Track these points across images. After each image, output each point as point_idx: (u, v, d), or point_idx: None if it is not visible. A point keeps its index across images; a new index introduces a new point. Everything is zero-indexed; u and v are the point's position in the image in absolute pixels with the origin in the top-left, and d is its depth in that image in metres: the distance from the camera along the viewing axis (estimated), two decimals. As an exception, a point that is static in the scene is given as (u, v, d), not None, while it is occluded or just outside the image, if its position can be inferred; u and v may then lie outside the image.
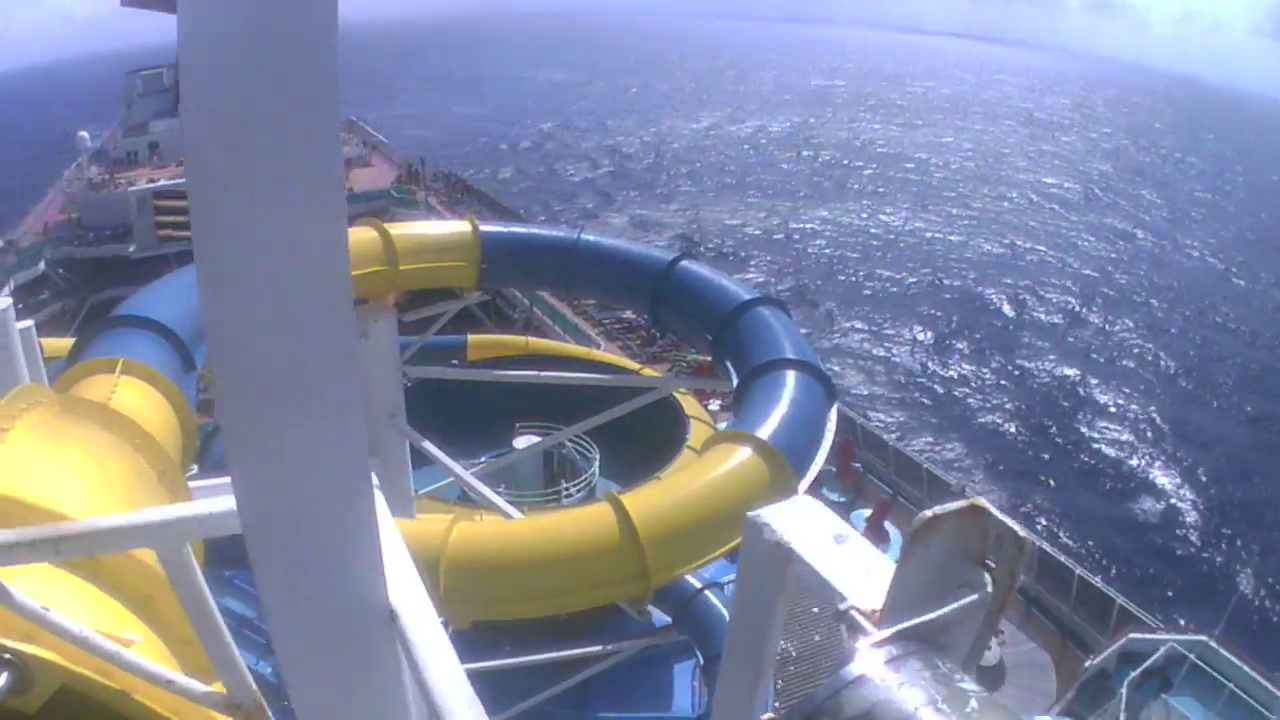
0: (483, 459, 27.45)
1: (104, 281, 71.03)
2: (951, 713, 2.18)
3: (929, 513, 2.65)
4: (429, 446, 15.80)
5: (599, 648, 19.98)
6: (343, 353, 2.11)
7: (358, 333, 9.08)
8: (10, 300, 9.63)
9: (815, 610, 31.66)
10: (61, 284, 73.69)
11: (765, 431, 12.47)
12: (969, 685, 2.30)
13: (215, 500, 2.90)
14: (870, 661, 2.38)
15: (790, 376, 13.64)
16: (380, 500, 2.75)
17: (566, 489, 29.84)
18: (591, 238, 17.74)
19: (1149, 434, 67.95)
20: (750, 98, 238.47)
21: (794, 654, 30.25)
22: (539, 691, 18.59)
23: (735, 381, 14.47)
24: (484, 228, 17.51)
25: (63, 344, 14.48)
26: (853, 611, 2.81)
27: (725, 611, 20.99)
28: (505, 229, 18.78)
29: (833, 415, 13.79)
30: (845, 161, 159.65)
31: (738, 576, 3.59)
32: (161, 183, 76.40)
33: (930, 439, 65.15)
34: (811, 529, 3.21)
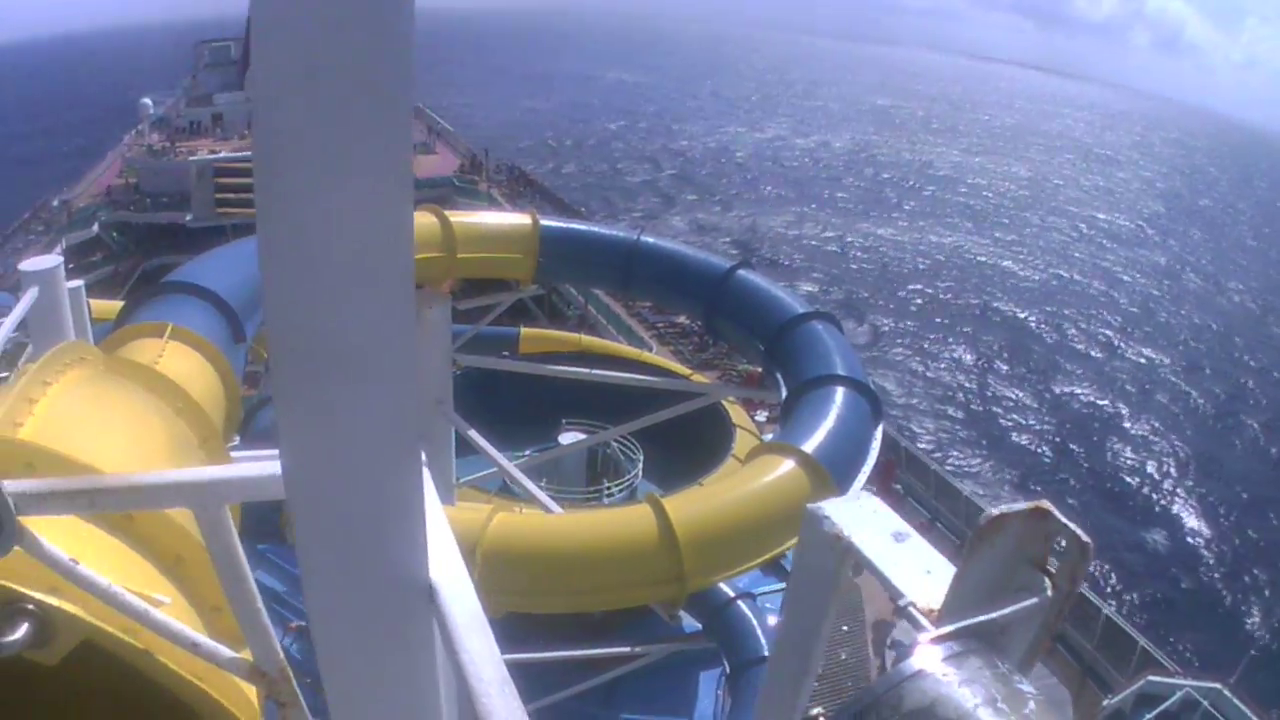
0: (527, 452, 27.50)
1: (158, 248, 71.35)
2: (1011, 712, 2.15)
3: (995, 511, 2.61)
4: (474, 435, 15.80)
5: (628, 649, 19.99)
6: (400, 327, 2.08)
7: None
8: (61, 259, 9.72)
9: (845, 629, 31.65)
10: (114, 247, 74.02)
11: (810, 445, 12.41)
12: (1027, 687, 2.27)
13: (257, 464, 2.89)
14: (929, 657, 2.35)
15: (839, 392, 13.58)
16: (427, 477, 2.73)
17: (608, 488, 29.83)
18: (651, 240, 17.71)
19: (1184, 473, 67.54)
20: (816, 112, 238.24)
21: (820, 671, 30.03)
22: (566, 687, 18.60)
23: (784, 393, 14.42)
24: (544, 222, 17.52)
25: (111, 306, 14.55)
26: (911, 608, 2.78)
27: (756, 622, 20.96)
28: (565, 224, 18.78)
29: (878, 434, 13.73)
30: (904, 181, 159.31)
31: (793, 568, 3.51)
32: (223, 154, 76.71)
33: (969, 459, 64.90)
34: (872, 524, 3.15)
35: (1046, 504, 2.62)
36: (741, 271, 16.72)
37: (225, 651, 3.18)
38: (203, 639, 3.11)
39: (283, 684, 3.29)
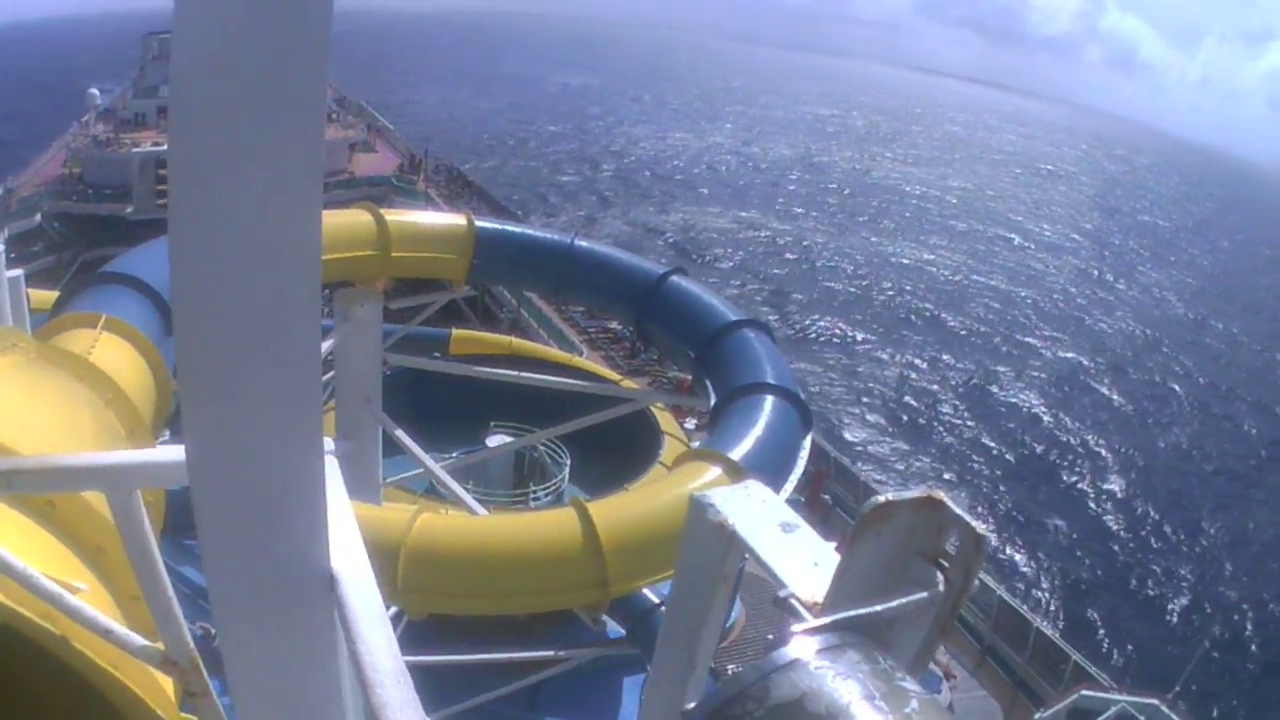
0: (454, 454, 27.40)
1: (98, 240, 70.95)
2: (890, 711, 2.06)
3: (881, 498, 2.55)
4: (402, 435, 15.76)
5: (551, 653, 19.98)
6: (305, 313, 2.09)
7: (341, 315, 9.06)
8: (2, 247, 9.66)
9: (770, 637, 31.58)
10: (56, 238, 73.60)
11: (738, 453, 12.46)
12: (911, 685, 2.17)
13: (171, 450, 2.89)
14: (804, 649, 2.24)
15: (768, 401, 13.64)
16: (334, 466, 2.74)
17: (534, 492, 29.79)
18: (585, 244, 17.73)
19: (1117, 481, 68.16)
20: (758, 120, 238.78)
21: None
22: (490, 690, 18.54)
23: (713, 400, 14.47)
24: (479, 223, 17.50)
25: (50, 296, 14.44)
26: (792, 600, 2.72)
27: (680, 630, 21.00)
28: (500, 226, 18.77)
29: (807, 443, 13.80)
30: (844, 190, 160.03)
31: (679, 557, 3.46)
32: (165, 148, 76.28)
33: (899, 469, 65.25)
34: (759, 513, 3.12)
35: (939, 493, 2.56)
36: (675, 278, 16.76)
37: (137, 640, 3.16)
38: (116, 626, 3.10)
39: (193, 674, 3.29)
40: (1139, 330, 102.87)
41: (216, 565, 2.47)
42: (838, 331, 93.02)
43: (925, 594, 2.57)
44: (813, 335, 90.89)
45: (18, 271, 10.00)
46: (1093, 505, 65.57)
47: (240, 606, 2.58)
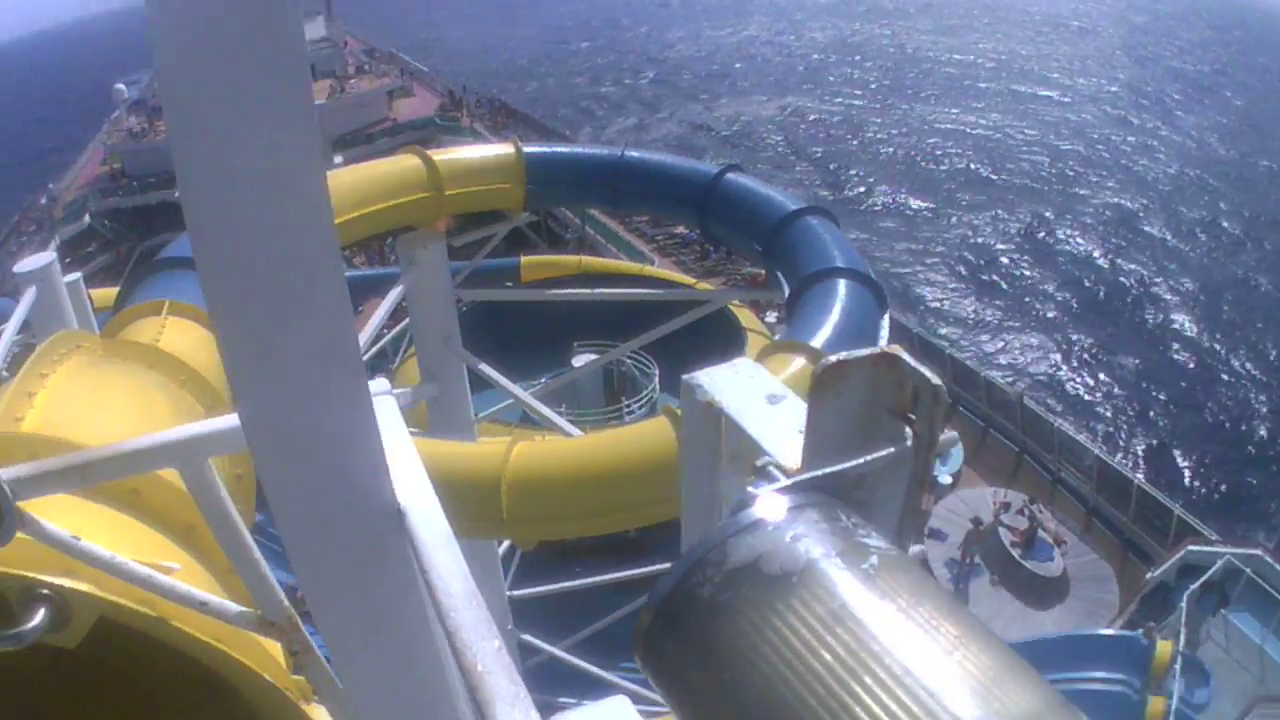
0: (542, 379, 27.49)
1: (152, 228, 71.62)
2: (846, 567, 2.05)
3: (832, 358, 2.56)
4: (486, 369, 15.78)
5: (667, 565, 20.04)
6: (325, 256, 2.07)
7: (407, 260, 9.03)
8: (54, 255, 9.72)
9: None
10: (108, 234, 74.45)
11: (819, 339, 12.34)
12: (875, 541, 2.16)
13: (235, 416, 2.88)
14: (768, 509, 2.24)
15: (841, 285, 13.49)
16: (390, 405, 2.73)
17: (628, 406, 29.88)
18: (636, 154, 17.62)
19: (1188, 320, 67.43)
20: (789, 6, 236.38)
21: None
22: (609, 612, 18.66)
23: (787, 291, 14.35)
24: (527, 149, 17.43)
25: (112, 294, 14.56)
26: (771, 466, 2.74)
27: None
28: (548, 149, 18.71)
29: (885, 322, 13.67)
30: (883, 65, 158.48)
31: (682, 435, 3.56)
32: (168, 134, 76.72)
33: (970, 324, 64.90)
34: (744, 389, 3.18)
35: (895, 348, 2.59)
36: (730, 174, 16.60)
37: (233, 607, 3.21)
38: (210, 597, 3.14)
39: (293, 632, 3.31)
40: (1183, 171, 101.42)
41: (287, 519, 2.48)
42: (896, 203, 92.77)
43: (893, 449, 2.59)
44: (874, 210, 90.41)
45: (76, 275, 10.07)
46: (1163, 345, 65.04)
47: (318, 557, 2.59)
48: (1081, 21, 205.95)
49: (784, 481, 2.40)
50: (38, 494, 2.76)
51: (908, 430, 2.60)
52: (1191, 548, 30.33)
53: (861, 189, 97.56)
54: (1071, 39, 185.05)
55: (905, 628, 1.90)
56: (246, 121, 1.91)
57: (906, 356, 2.55)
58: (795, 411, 2.99)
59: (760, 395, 3.09)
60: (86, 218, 74.20)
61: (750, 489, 2.38)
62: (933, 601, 1.98)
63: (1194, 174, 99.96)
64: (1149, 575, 30.80)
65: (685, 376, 3.33)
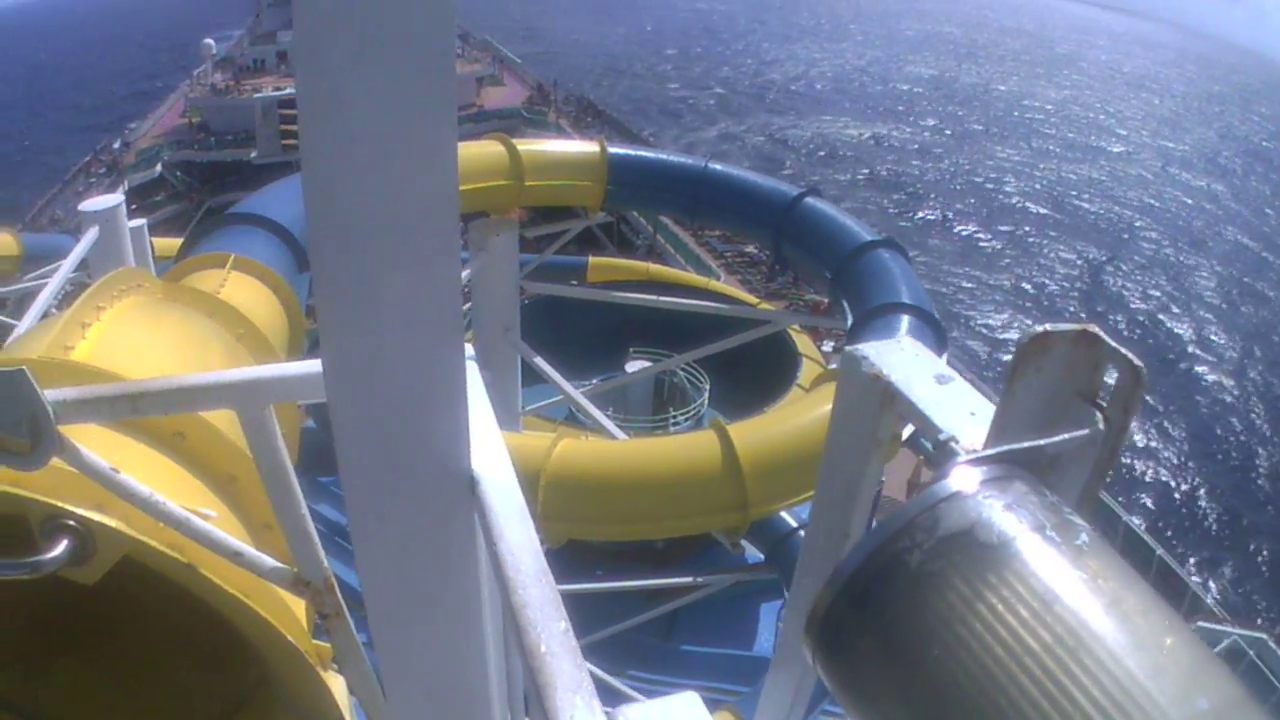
0: (594, 380, 27.49)
1: (222, 186, 72.08)
2: (1062, 542, 1.94)
3: (1039, 328, 2.40)
4: (541, 363, 15.80)
5: (690, 579, 20.03)
6: (445, 206, 2.03)
7: (477, 245, 9.01)
8: (122, 198, 9.78)
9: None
10: (178, 186, 74.97)
11: (876, 372, 12.29)
12: (1079, 520, 2.04)
13: (302, 364, 2.90)
14: (967, 479, 2.11)
15: (904, 321, 13.44)
16: (474, 371, 2.68)
17: (674, 417, 29.77)
18: (719, 167, 17.61)
19: (1253, 413, 66.58)
20: (885, 39, 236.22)
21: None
22: (627, 618, 18.62)
23: (850, 321, 14.33)
24: (612, 149, 17.46)
25: (175, 244, 14.61)
26: (952, 443, 2.63)
27: (819, 553, 20.92)
28: (634, 152, 18.73)
29: (943, 363, 13.58)
30: (975, 105, 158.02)
31: (831, 418, 3.35)
32: (288, 91, 77.19)
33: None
34: (913, 366, 3.04)
35: (1094, 327, 2.41)
36: (809, 199, 16.57)
37: (269, 561, 3.14)
38: (245, 548, 3.07)
39: (327, 595, 3.26)
40: (1248, 243, 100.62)
41: (356, 476, 2.42)
42: (962, 233, 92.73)
43: (1087, 431, 2.44)
44: (939, 238, 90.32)
45: (140, 221, 10.12)
46: (1208, 413, 64.35)
47: (378, 513, 2.52)
48: (1161, 84, 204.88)
49: (984, 452, 2.28)
50: (82, 419, 2.69)
51: (1098, 416, 2.47)
52: (1201, 624, 30.17)
53: (930, 217, 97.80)
54: (1149, 98, 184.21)
55: (1119, 610, 1.84)
56: (388, 56, 1.87)
57: (1105, 336, 2.41)
58: (966, 394, 2.91)
59: (929, 374, 2.98)
60: (158, 167, 74.69)
61: (950, 461, 2.26)
62: (1139, 586, 1.94)
63: (1251, 244, 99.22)
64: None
65: (848, 348, 3.17)
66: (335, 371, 2.22)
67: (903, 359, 3.05)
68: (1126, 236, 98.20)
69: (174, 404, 2.84)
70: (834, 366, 15.18)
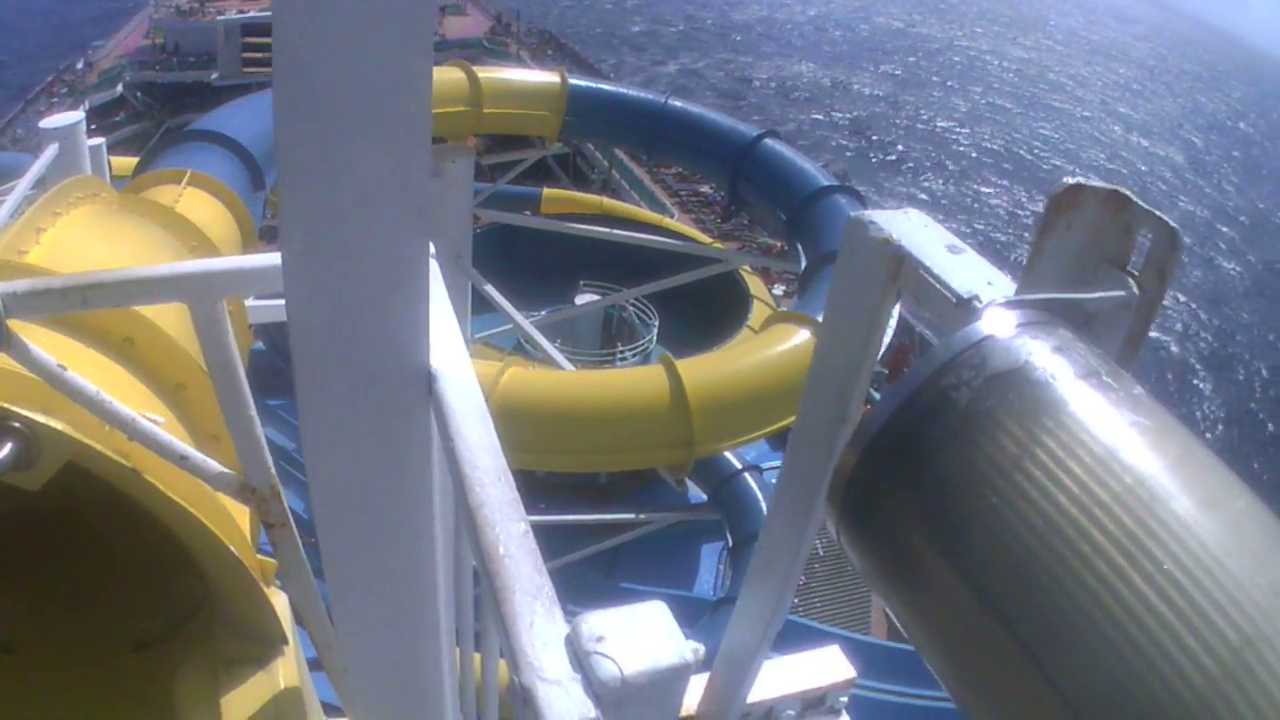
0: (543, 312, 27.45)
1: (182, 107, 71.15)
2: (1118, 388, 1.77)
3: (1069, 180, 2.21)
4: (491, 291, 15.74)
5: (632, 515, 20.10)
6: (416, 81, 1.96)
7: (432, 171, 8.87)
8: (82, 116, 9.70)
9: None
10: (138, 106, 74.07)
11: (826, 316, 12.33)
12: (1129, 375, 1.85)
13: (256, 258, 2.80)
14: (1003, 323, 1.90)
15: (859, 267, 13.49)
16: (435, 268, 2.60)
17: (621, 352, 29.78)
18: (679, 103, 17.65)
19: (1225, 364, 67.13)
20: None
21: (821, 554, 30.52)
22: (568, 553, 18.67)
23: (804, 264, 14.37)
24: (572, 81, 17.43)
25: (131, 164, 14.51)
26: (975, 301, 2.38)
27: (761, 496, 21.04)
28: (593, 84, 18.74)
29: (896, 312, 13.63)
30: (943, 59, 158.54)
31: (832, 286, 3.02)
32: (252, 14, 76.77)
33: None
34: (923, 234, 2.81)
35: (1125, 190, 2.24)
36: (768, 140, 16.61)
37: (215, 465, 3.06)
38: (191, 451, 2.99)
39: (274, 503, 3.20)
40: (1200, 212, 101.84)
41: (310, 370, 2.34)
42: (921, 181, 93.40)
43: (1121, 293, 2.26)
44: (898, 184, 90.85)
45: (99, 140, 10.04)
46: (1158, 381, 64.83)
47: (333, 409, 2.43)
48: (1130, 57, 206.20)
49: (1020, 297, 2.16)
50: (33, 313, 2.61)
51: (1130, 281, 2.28)
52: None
53: (885, 159, 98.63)
54: (1115, 67, 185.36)
55: (1187, 465, 1.69)
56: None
57: (1136, 198, 2.24)
58: (980, 264, 2.62)
59: (940, 244, 2.73)
60: (119, 87, 73.78)
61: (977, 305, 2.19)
62: (1199, 443, 1.74)
63: (1202, 214, 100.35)
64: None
65: (854, 214, 2.82)
66: (295, 258, 2.14)
67: (912, 226, 2.85)
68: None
69: (126, 296, 2.77)
70: (789, 308, 15.20)
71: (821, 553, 22.23)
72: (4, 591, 4.60)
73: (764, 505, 21.30)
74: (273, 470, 3.17)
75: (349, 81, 1.88)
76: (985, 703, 1.86)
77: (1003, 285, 2.47)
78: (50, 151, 9.08)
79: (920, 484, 1.82)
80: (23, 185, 8.74)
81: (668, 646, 1.66)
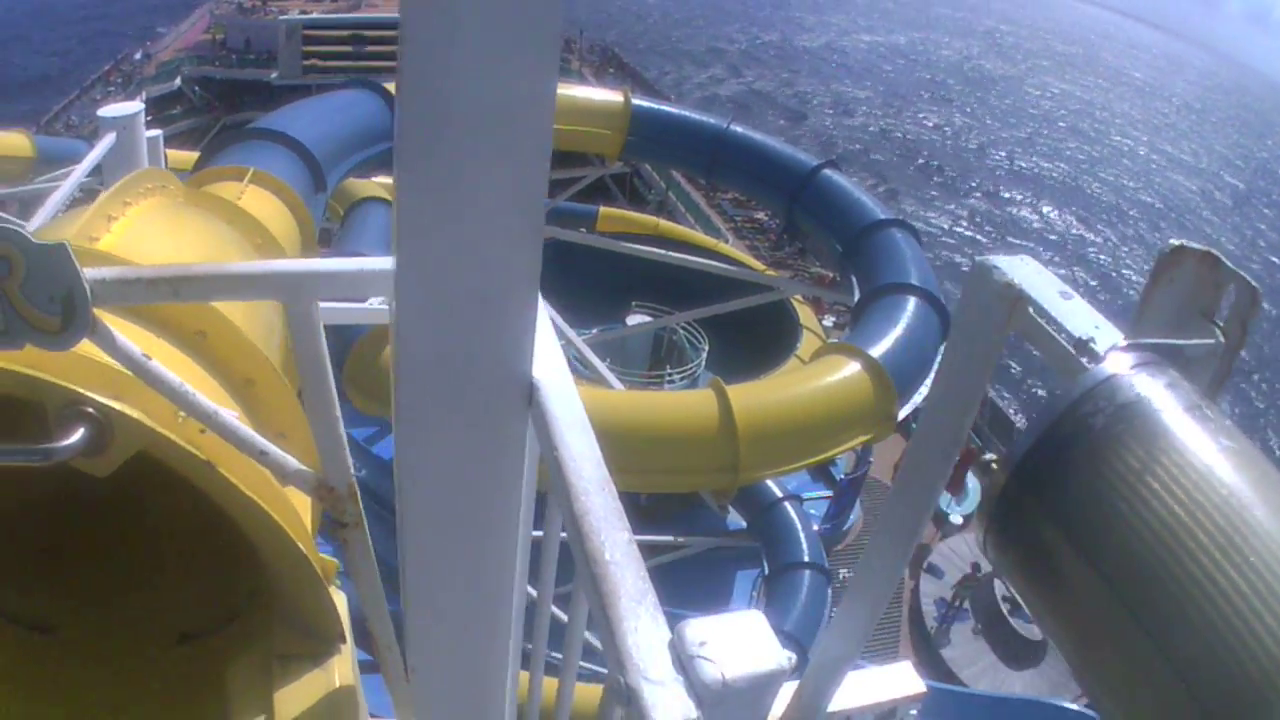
0: (593, 330, 27.47)
1: (240, 104, 71.73)
2: (1214, 421, 2.29)
3: (1175, 242, 2.69)
4: (544, 306, 15.80)
5: (670, 538, 20.11)
6: (541, 93, 2.00)
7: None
8: (142, 106, 9.73)
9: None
10: (195, 101, 74.65)
11: (878, 350, 12.38)
12: (1216, 406, 2.41)
13: (353, 261, 2.82)
14: (1121, 363, 2.46)
15: (911, 302, 13.54)
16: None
17: (670, 374, 29.75)
18: (740, 129, 17.66)
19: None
20: (888, 15, 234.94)
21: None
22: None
23: (857, 296, 14.38)
24: (636, 101, 17.48)
25: (188, 157, 14.55)
26: (1091, 343, 2.75)
27: (800, 526, 21.00)
28: (657, 105, 18.77)
29: (944, 348, 13.68)
30: (1006, 100, 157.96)
31: (954, 324, 3.56)
32: (314, 15, 77.04)
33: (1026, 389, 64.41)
34: (1040, 280, 3.18)
35: (1215, 251, 2.68)
36: (827, 170, 16.62)
37: (293, 463, 3.05)
38: (271, 447, 3.02)
39: (349, 502, 3.19)
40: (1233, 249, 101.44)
41: (411, 372, 2.34)
42: (973, 211, 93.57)
43: (1214, 340, 2.70)
44: (951, 234, 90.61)
45: (156, 132, 10.07)
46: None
47: (429, 417, 2.45)
48: (1179, 98, 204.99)
49: (1137, 340, 2.60)
50: (121, 300, 2.56)
51: (1216, 331, 2.71)
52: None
53: (939, 182, 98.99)
54: (1160, 106, 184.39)
55: (1269, 481, 2.19)
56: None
57: (1224, 259, 2.68)
58: (1087, 310, 3.03)
59: (1054, 290, 3.12)
60: (178, 80, 74.23)
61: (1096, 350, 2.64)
62: (1274, 466, 2.26)
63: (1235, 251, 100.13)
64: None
65: (979, 259, 3.33)
66: (410, 267, 2.15)
67: (1029, 272, 3.21)
68: (1116, 220, 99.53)
69: (220, 290, 2.76)
70: (841, 339, 15.22)
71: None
72: (46, 575, 4.63)
73: (802, 534, 21.31)
74: (351, 470, 3.18)
75: (477, 98, 1.90)
76: (1110, 680, 2.39)
77: (1107, 329, 2.86)
78: (108, 140, 9.14)
79: (1062, 496, 2.34)
80: (80, 171, 8.81)
81: (766, 653, 1.79)
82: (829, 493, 30.13)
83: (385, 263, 2.55)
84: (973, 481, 36.33)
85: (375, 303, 3.36)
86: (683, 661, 1.74)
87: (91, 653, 4.46)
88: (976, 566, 32.71)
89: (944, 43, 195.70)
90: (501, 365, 2.41)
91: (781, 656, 1.79)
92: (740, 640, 1.79)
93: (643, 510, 21.05)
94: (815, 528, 23.35)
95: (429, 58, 1.87)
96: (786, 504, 21.15)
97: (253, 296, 3.19)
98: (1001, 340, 3.28)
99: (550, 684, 4.20)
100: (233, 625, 4.42)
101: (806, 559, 21.23)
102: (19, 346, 2.53)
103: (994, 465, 2.57)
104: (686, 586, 21.18)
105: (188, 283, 2.67)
